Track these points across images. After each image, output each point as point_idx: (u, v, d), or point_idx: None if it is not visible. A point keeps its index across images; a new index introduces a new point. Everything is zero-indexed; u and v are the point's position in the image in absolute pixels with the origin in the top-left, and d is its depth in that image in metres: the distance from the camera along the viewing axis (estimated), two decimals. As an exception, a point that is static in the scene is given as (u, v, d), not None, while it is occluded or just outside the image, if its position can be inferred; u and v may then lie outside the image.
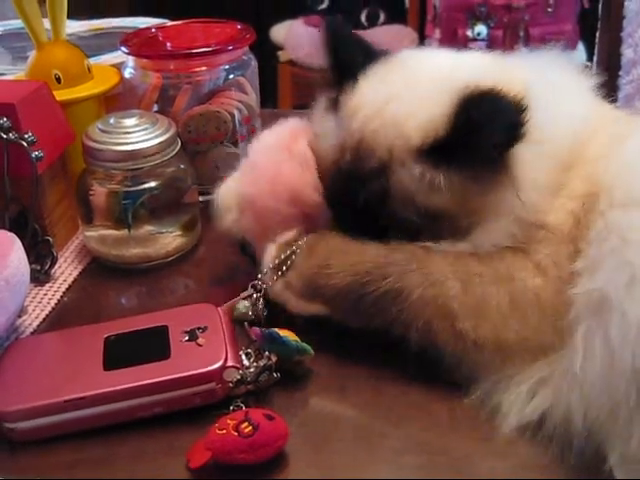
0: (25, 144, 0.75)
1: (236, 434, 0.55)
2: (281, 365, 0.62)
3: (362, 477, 0.56)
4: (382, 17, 2.90)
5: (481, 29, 2.44)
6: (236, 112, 0.92)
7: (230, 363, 0.61)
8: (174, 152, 0.80)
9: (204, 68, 0.91)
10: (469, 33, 2.45)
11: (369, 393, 0.63)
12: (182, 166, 0.82)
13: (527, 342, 0.59)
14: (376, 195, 0.63)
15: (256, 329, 0.64)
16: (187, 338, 0.63)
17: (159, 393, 0.60)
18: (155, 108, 0.91)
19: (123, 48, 0.91)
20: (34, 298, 0.77)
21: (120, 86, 0.93)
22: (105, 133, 0.78)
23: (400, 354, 0.62)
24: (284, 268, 0.67)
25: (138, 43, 0.93)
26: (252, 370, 0.61)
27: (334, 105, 0.68)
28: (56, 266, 0.81)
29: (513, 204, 0.60)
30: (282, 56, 2.81)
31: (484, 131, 0.57)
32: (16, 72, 0.97)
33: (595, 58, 1.63)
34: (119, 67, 0.95)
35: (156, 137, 0.78)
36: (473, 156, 0.59)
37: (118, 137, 0.77)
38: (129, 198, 0.78)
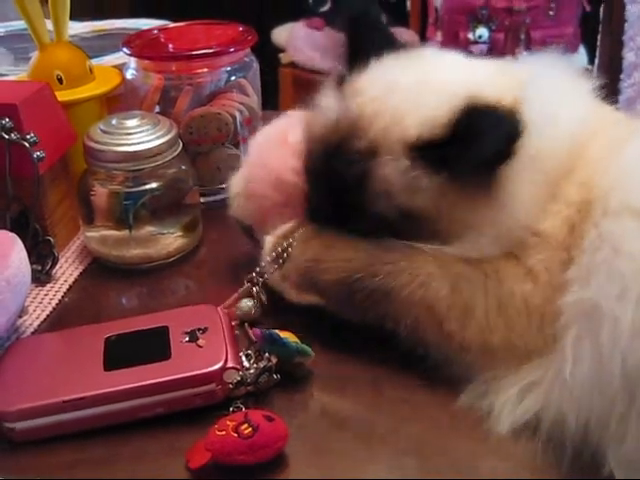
0: (27, 144, 0.75)
1: (236, 435, 0.55)
2: (281, 367, 0.62)
3: (362, 478, 0.56)
4: (385, 19, 2.89)
5: (482, 32, 2.44)
6: (237, 114, 0.92)
7: (230, 364, 0.61)
8: (175, 153, 0.80)
9: (206, 70, 0.91)
10: (470, 36, 2.44)
11: (369, 394, 0.63)
12: (183, 167, 0.82)
13: (512, 346, 0.59)
14: (356, 178, 0.62)
15: (256, 330, 0.65)
16: (187, 339, 0.64)
17: (159, 394, 0.60)
18: (157, 109, 0.91)
19: (125, 49, 0.91)
20: (35, 298, 0.77)
21: (122, 87, 0.93)
22: (107, 134, 0.78)
23: (400, 356, 0.63)
24: (280, 261, 0.68)
25: (140, 44, 0.93)
26: (252, 371, 0.61)
27: (341, 82, 0.68)
28: (57, 266, 0.81)
29: (496, 220, 0.60)
30: (283, 58, 2.81)
31: (481, 143, 0.57)
32: (18, 73, 0.97)
33: (596, 61, 1.63)
34: (121, 68, 0.95)
35: (157, 138, 0.78)
36: (463, 165, 0.59)
37: (119, 138, 0.78)
38: (130, 199, 0.79)
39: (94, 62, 0.95)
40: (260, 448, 0.54)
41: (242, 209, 0.76)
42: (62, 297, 0.77)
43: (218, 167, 0.93)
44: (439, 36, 2.55)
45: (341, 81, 0.67)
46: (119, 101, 0.95)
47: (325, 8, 2.95)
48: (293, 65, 2.76)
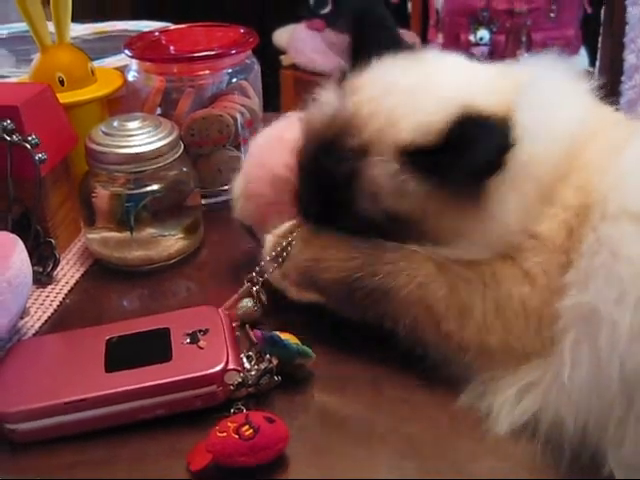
0: (28, 146, 0.75)
1: (237, 437, 0.55)
2: (282, 368, 0.62)
3: (362, 479, 0.56)
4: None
5: (483, 34, 2.44)
6: (239, 116, 0.92)
7: (231, 366, 0.61)
8: (177, 155, 0.80)
9: (207, 72, 0.91)
10: (471, 38, 2.44)
11: (370, 396, 0.63)
12: (185, 169, 0.82)
13: (510, 348, 0.59)
14: (345, 176, 0.63)
15: (257, 332, 0.65)
16: (188, 340, 0.64)
17: (160, 395, 0.60)
18: (158, 111, 0.92)
19: (127, 51, 0.91)
20: (36, 300, 0.77)
21: (123, 89, 0.93)
22: (108, 136, 0.78)
23: (400, 356, 0.63)
24: (280, 260, 0.68)
25: (142, 46, 0.94)
26: (253, 373, 0.61)
27: (342, 79, 0.68)
28: (58, 268, 0.81)
29: (485, 229, 0.60)
30: (285, 60, 2.81)
31: (472, 153, 0.57)
32: (20, 75, 0.97)
33: (597, 63, 1.63)
34: (122, 70, 0.95)
35: (159, 140, 0.78)
36: (453, 174, 0.59)
37: (121, 140, 0.78)
38: (132, 201, 0.79)
39: (96, 64, 0.95)
40: (261, 449, 0.55)
41: (243, 210, 0.76)
42: (63, 299, 0.78)
43: (219, 169, 0.93)
44: (440, 38, 2.55)
45: (342, 78, 0.68)
46: (120, 103, 0.95)
47: (326, 10, 2.95)
48: (294, 67, 2.76)
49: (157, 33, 0.99)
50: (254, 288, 0.71)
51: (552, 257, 0.59)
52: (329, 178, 0.64)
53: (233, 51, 0.91)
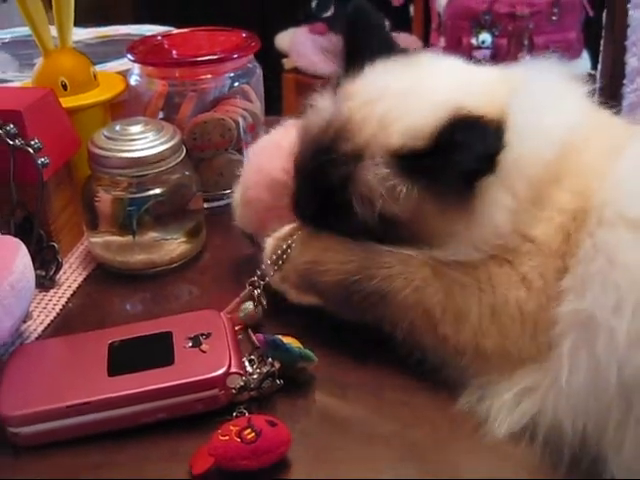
0: (31, 151, 0.75)
1: (239, 440, 0.55)
2: (284, 372, 0.62)
3: (364, 481, 0.57)
4: (387, 25, 2.89)
5: (485, 37, 2.44)
6: (241, 120, 0.92)
7: (233, 369, 0.61)
8: (179, 159, 0.80)
9: (209, 76, 0.91)
10: (474, 41, 2.45)
11: (371, 399, 0.63)
12: (187, 173, 0.82)
13: (506, 353, 0.60)
14: (340, 180, 0.63)
15: (260, 336, 0.65)
16: (191, 344, 0.64)
17: (163, 399, 0.60)
18: (160, 115, 0.92)
19: (129, 55, 0.92)
20: (39, 304, 0.77)
21: (126, 93, 0.94)
22: (111, 140, 0.78)
23: (401, 360, 0.63)
24: (280, 262, 0.68)
25: (144, 50, 0.94)
26: (255, 377, 0.61)
27: (336, 85, 0.69)
28: (61, 272, 0.81)
29: (474, 230, 0.60)
30: (287, 64, 2.82)
31: (461, 156, 0.57)
32: (23, 79, 0.97)
33: (599, 67, 1.63)
34: (125, 74, 0.95)
35: (161, 144, 0.79)
36: (443, 177, 0.59)
37: (123, 144, 0.78)
38: (134, 205, 0.79)
39: (98, 68, 0.95)
40: (263, 453, 0.55)
41: (243, 217, 0.77)
42: (66, 302, 0.78)
43: (221, 173, 0.93)
44: (442, 41, 2.55)
45: (337, 83, 0.68)
46: (123, 107, 0.95)
47: (328, 13, 2.96)
48: (296, 70, 2.77)
49: (159, 37, 0.99)
50: (255, 292, 0.71)
51: (548, 261, 0.59)
52: (325, 182, 0.65)
53: (235, 55, 0.91)
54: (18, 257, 0.67)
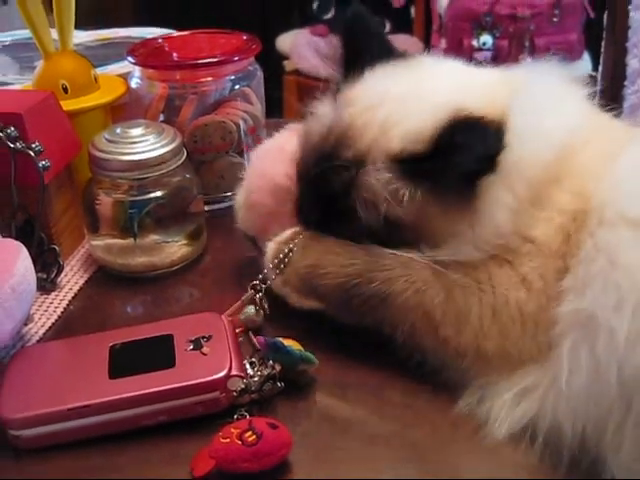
0: (32, 154, 0.75)
1: (240, 443, 0.55)
2: (285, 374, 0.62)
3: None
4: (388, 27, 2.90)
5: (487, 39, 2.44)
6: (241, 122, 0.92)
7: (234, 372, 0.61)
8: (180, 162, 0.80)
9: (210, 78, 0.91)
10: (475, 43, 2.45)
11: (372, 401, 0.63)
12: (188, 176, 0.82)
13: (507, 354, 0.60)
14: (343, 186, 0.64)
15: (260, 338, 0.65)
16: (192, 347, 0.64)
17: (164, 402, 0.60)
18: (161, 118, 0.92)
19: (130, 58, 0.92)
20: (40, 306, 0.77)
21: (126, 96, 0.94)
22: (111, 143, 0.78)
23: (402, 362, 0.63)
24: (282, 266, 0.68)
25: (144, 53, 0.94)
26: (256, 379, 0.61)
27: (336, 91, 0.69)
28: (62, 275, 0.81)
29: (476, 229, 0.60)
30: (288, 66, 2.82)
31: (461, 157, 0.57)
32: (24, 82, 0.97)
33: (600, 68, 1.63)
34: (125, 77, 0.95)
35: (162, 147, 0.79)
36: (444, 179, 0.60)
37: (124, 147, 0.78)
38: (135, 207, 0.79)
39: (99, 71, 0.95)
40: (264, 455, 0.55)
41: (245, 220, 0.77)
42: (67, 305, 0.78)
43: (222, 175, 0.93)
44: (443, 43, 2.55)
45: (338, 89, 0.69)
46: (124, 110, 0.96)
47: (329, 15, 2.96)
48: (297, 72, 2.77)
49: (160, 40, 0.99)
50: (257, 295, 0.71)
51: (548, 262, 0.60)
52: (328, 188, 0.65)
53: (236, 58, 0.91)
54: (19, 260, 0.67)
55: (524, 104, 0.62)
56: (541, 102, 0.63)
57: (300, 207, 0.70)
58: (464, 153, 0.57)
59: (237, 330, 0.69)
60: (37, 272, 0.71)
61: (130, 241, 0.80)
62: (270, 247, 0.70)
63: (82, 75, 0.91)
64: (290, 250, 0.68)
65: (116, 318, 0.77)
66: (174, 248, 0.82)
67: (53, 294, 0.79)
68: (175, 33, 1.03)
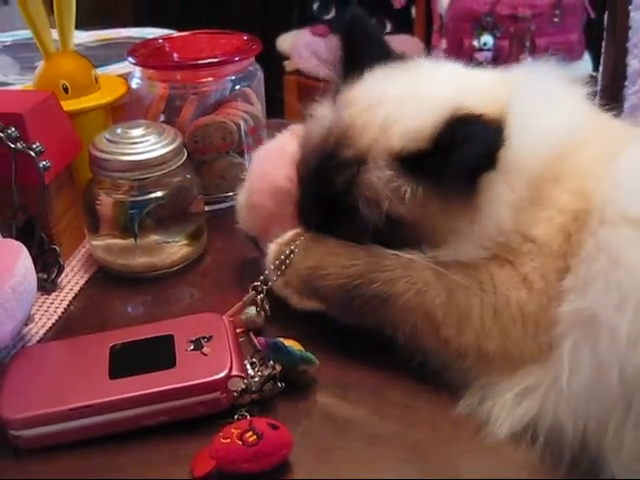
0: (33, 154, 0.75)
1: (240, 443, 0.55)
2: (285, 375, 0.62)
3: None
4: (388, 27, 2.90)
5: (487, 39, 2.44)
6: (242, 122, 0.92)
7: (235, 372, 0.61)
8: (180, 162, 0.80)
9: (210, 79, 0.91)
10: (475, 43, 2.44)
11: (373, 401, 0.63)
12: (188, 176, 0.82)
13: (508, 354, 0.60)
14: (344, 185, 0.64)
15: (261, 339, 0.65)
16: (192, 347, 0.64)
17: (164, 402, 0.60)
18: (162, 118, 0.92)
19: (130, 59, 0.92)
20: (40, 307, 0.77)
21: (127, 96, 0.94)
22: (112, 143, 0.78)
23: (402, 361, 0.63)
24: (283, 268, 0.68)
25: (145, 54, 0.94)
26: (257, 379, 0.61)
27: (336, 93, 0.69)
28: (62, 275, 0.81)
29: (477, 226, 0.61)
30: (288, 66, 2.82)
31: (461, 155, 0.58)
32: (24, 82, 0.97)
33: (601, 68, 1.63)
34: (126, 77, 0.95)
35: (162, 147, 0.79)
36: (444, 176, 0.60)
37: (125, 147, 0.78)
38: (135, 208, 0.79)
39: (99, 71, 0.95)
40: (265, 456, 0.55)
41: (246, 221, 0.77)
42: (68, 305, 0.78)
43: (223, 176, 0.93)
44: (444, 43, 2.55)
45: (337, 91, 0.69)
46: (124, 110, 0.96)
47: (330, 16, 2.96)
48: (298, 73, 2.77)
49: (160, 40, 0.99)
50: (259, 297, 0.71)
51: (549, 262, 0.60)
52: (329, 189, 0.65)
53: (236, 58, 0.91)
54: (20, 260, 0.67)
55: (522, 104, 0.62)
56: (539, 102, 0.63)
57: (301, 209, 0.70)
58: (464, 150, 0.58)
59: (238, 331, 0.69)
60: (37, 272, 0.71)
61: (130, 241, 0.80)
62: (271, 248, 0.70)
63: (83, 75, 0.91)
64: (291, 251, 0.68)
65: (116, 318, 0.77)
66: (175, 248, 0.82)
67: (53, 294, 0.79)
68: (175, 33, 1.03)
